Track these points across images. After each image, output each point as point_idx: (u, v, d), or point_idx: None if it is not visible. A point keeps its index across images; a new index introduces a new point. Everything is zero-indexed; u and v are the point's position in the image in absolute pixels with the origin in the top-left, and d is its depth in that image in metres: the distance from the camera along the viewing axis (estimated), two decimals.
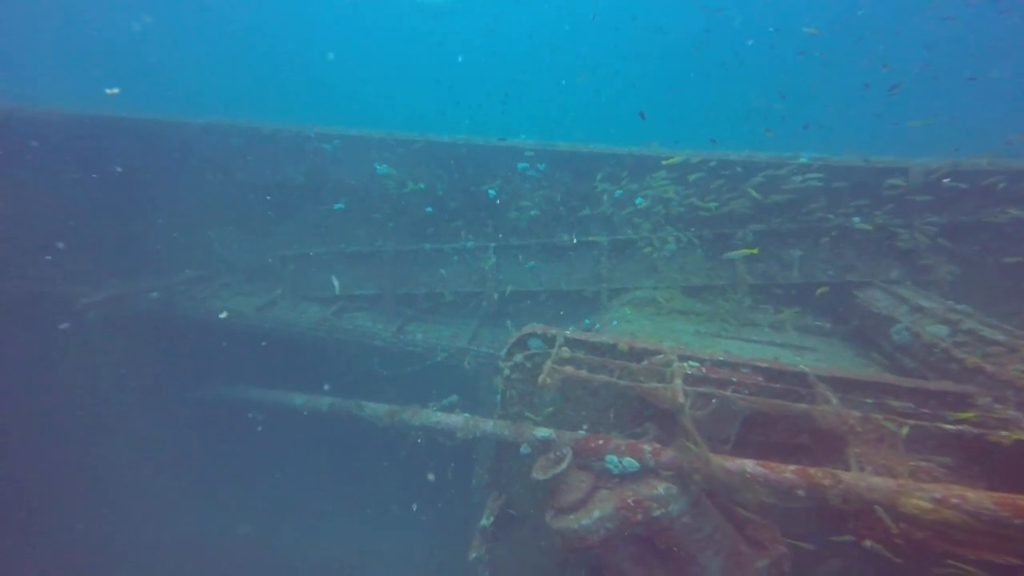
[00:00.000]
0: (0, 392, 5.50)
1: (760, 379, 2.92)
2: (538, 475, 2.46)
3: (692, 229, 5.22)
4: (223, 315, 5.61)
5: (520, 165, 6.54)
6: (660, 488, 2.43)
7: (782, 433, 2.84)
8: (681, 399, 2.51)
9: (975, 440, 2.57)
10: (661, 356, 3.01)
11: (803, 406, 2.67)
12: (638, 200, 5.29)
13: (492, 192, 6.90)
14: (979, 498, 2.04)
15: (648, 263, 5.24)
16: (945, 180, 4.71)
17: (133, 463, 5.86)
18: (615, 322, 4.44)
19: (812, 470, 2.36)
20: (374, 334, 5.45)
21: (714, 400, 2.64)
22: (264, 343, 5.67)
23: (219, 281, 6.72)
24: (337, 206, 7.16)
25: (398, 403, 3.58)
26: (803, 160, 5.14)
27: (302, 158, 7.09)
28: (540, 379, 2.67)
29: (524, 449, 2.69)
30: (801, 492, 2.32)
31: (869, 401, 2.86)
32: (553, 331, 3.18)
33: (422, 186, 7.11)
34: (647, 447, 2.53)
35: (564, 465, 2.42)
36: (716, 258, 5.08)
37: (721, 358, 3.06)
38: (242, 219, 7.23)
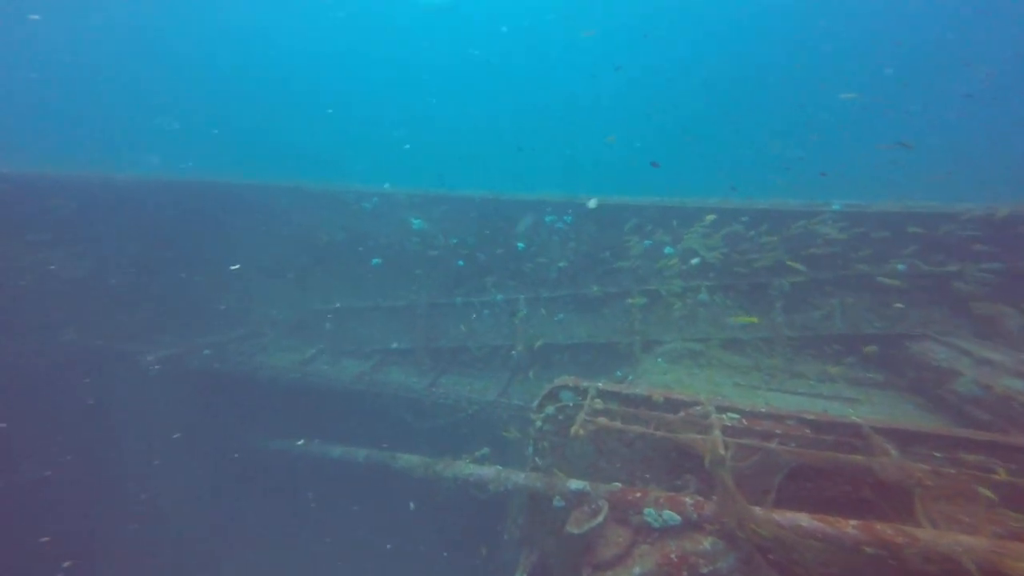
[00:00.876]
0: (61, 443, 5.88)
1: (807, 431, 2.76)
2: (573, 529, 2.35)
3: (726, 281, 5.20)
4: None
5: (547, 219, 6.86)
6: (706, 543, 2.27)
7: (839, 487, 2.62)
8: (721, 450, 2.41)
9: None
10: (699, 408, 2.92)
11: (858, 457, 2.49)
12: (667, 250, 5.38)
13: (521, 245, 7.19)
14: None
15: (682, 315, 5.20)
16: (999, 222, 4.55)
17: (184, 514, 5.99)
18: (649, 374, 4.36)
19: (879, 525, 2.15)
20: (408, 387, 5.55)
21: (757, 452, 2.51)
22: (307, 398, 5.88)
23: (265, 338, 7.13)
24: (374, 262, 7.66)
25: (431, 455, 3.58)
26: (836, 207, 5.14)
27: (343, 216, 7.73)
28: (572, 430, 2.65)
29: (558, 502, 2.60)
30: (869, 549, 2.11)
31: (938, 455, 2.62)
32: (585, 383, 3.18)
33: (454, 240, 7.55)
34: (689, 499, 2.40)
35: (600, 518, 2.33)
36: (753, 309, 4.98)
37: (763, 410, 2.94)
38: (285, 275, 7.81)
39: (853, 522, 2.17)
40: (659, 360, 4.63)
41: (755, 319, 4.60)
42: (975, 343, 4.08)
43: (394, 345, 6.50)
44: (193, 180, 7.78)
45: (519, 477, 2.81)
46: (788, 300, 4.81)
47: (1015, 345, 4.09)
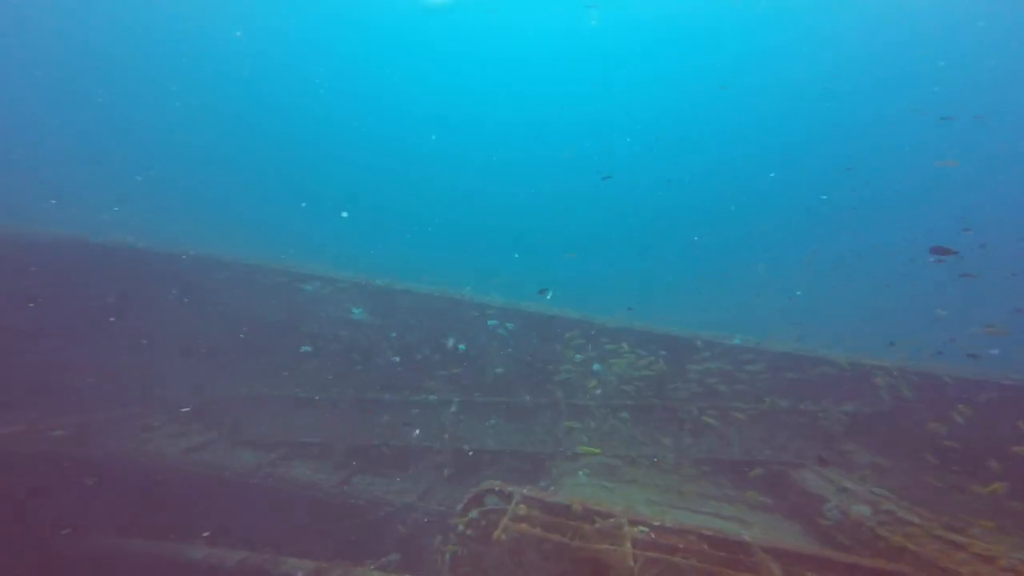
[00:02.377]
0: None
1: (706, 547, 3.01)
2: None
3: (644, 402, 5.72)
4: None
5: (490, 323, 7.25)
6: None
7: None
8: (631, 562, 2.56)
9: None
10: (613, 519, 3.09)
11: (747, 575, 2.74)
12: (595, 367, 5.91)
13: (462, 347, 7.39)
14: None
15: (602, 431, 5.52)
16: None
17: None
18: (571, 486, 4.45)
19: None
20: (314, 484, 5.00)
21: (661, 564, 2.68)
22: (187, 488, 5.01)
23: (149, 421, 6.18)
24: (304, 349, 7.32)
25: (331, 560, 3.19)
26: (736, 342, 6.14)
27: (277, 297, 7.45)
28: (495, 534, 2.66)
29: None
30: None
31: (809, 574, 2.95)
32: (510, 488, 3.25)
33: (393, 335, 7.56)
34: None
35: None
36: (665, 430, 5.47)
37: (669, 525, 3.18)
38: (196, 354, 7.11)
39: None
40: (580, 473, 4.78)
41: (598, 451, 5.01)
42: (839, 473, 4.79)
43: (306, 439, 5.95)
44: (94, 242, 7.15)
45: None
46: (695, 425, 5.39)
47: (864, 477, 4.86)
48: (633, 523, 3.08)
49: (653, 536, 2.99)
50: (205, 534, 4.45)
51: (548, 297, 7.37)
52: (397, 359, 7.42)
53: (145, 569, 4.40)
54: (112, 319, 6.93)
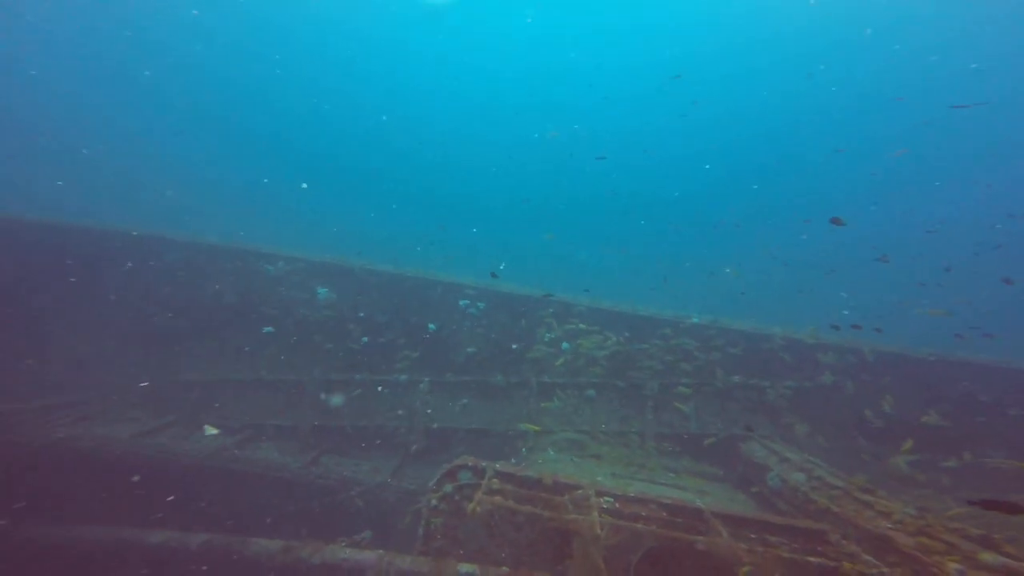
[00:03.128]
0: None
1: (664, 514, 3.26)
2: None
3: (609, 381, 5.98)
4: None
5: (462, 302, 7.26)
6: None
7: (687, 572, 3.06)
8: (598, 530, 2.74)
9: (830, 571, 3.01)
10: (581, 491, 3.27)
11: (700, 538, 3.00)
12: (564, 346, 6.09)
13: (432, 326, 7.38)
14: None
15: (571, 408, 5.75)
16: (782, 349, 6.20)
17: None
18: (540, 462, 4.64)
19: None
20: (282, 466, 4.93)
21: (625, 531, 2.89)
22: (137, 476, 4.79)
23: (92, 408, 5.81)
24: (266, 330, 7.07)
25: (302, 540, 3.19)
26: (695, 320, 6.49)
27: (239, 278, 7.16)
28: (470, 507, 2.76)
29: None
30: None
31: (753, 536, 3.27)
32: (484, 463, 3.36)
33: (361, 315, 7.43)
34: None
35: None
36: (629, 407, 5.77)
37: (632, 495, 3.40)
38: (150, 338, 6.74)
39: None
40: (549, 450, 4.98)
41: (537, 428, 5.26)
42: (781, 444, 5.25)
43: (272, 421, 5.83)
44: (43, 222, 6.67)
45: (404, 562, 2.72)
46: (657, 401, 5.70)
47: (803, 447, 5.36)
48: (599, 494, 3.28)
49: (618, 506, 3.20)
50: (158, 515, 4.30)
51: (497, 275, 7.42)
52: (366, 339, 7.31)
53: (107, 555, 4.22)
54: (63, 303, 6.41)
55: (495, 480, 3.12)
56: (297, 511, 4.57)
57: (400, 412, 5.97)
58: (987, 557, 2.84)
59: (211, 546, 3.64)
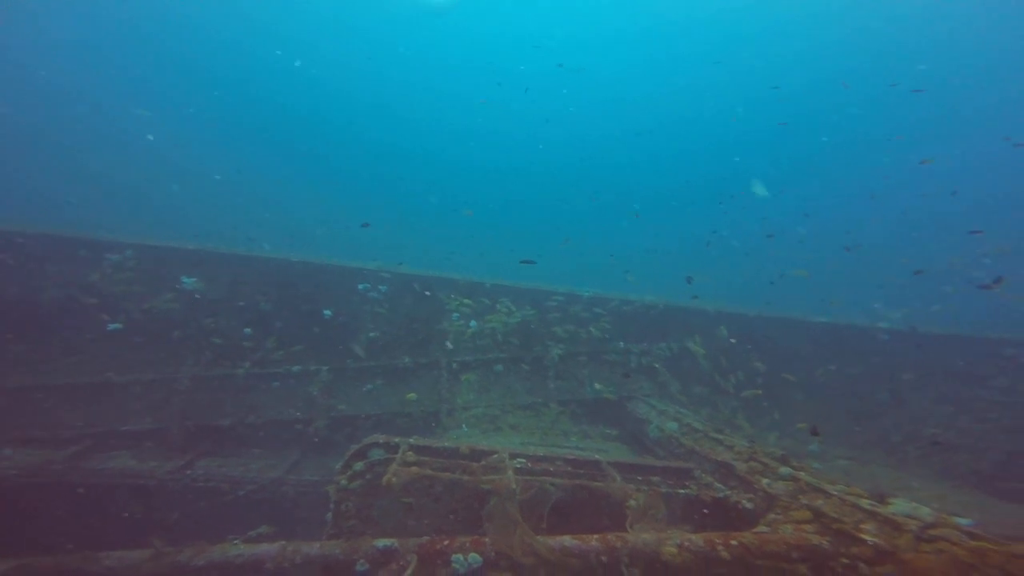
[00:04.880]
0: None
1: (569, 468, 3.59)
2: None
3: (515, 355, 6.26)
4: None
5: (361, 285, 6.88)
6: None
7: (589, 518, 3.43)
8: (513, 485, 2.91)
9: (695, 500, 3.66)
10: (496, 455, 3.42)
11: (599, 483, 3.39)
12: (472, 324, 6.18)
13: (328, 312, 6.87)
14: (696, 538, 2.89)
15: (481, 384, 5.89)
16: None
17: None
18: (454, 437, 4.69)
19: (609, 536, 2.93)
20: (143, 473, 4.15)
21: (535, 483, 3.12)
22: None
23: None
24: (112, 327, 5.84)
25: (178, 546, 2.74)
26: (586, 294, 7.11)
27: (73, 272, 5.83)
28: (385, 479, 2.69)
29: (360, 566, 2.47)
30: (604, 557, 2.83)
31: (639, 478, 3.80)
32: (396, 439, 3.29)
33: (241, 303, 6.61)
34: (488, 539, 2.72)
35: (409, 571, 2.37)
36: (534, 379, 6.13)
37: (541, 454, 3.67)
38: None
39: (596, 536, 2.91)
40: (463, 426, 5.06)
41: (414, 395, 5.54)
42: (659, 401, 6.10)
43: (128, 427, 4.84)
44: None
45: (312, 548, 2.53)
46: (557, 371, 6.15)
47: (676, 401, 6.31)
48: (512, 456, 3.46)
49: (529, 465, 3.42)
50: None
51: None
52: (249, 330, 6.52)
53: None
54: None
55: (410, 453, 3.08)
56: (172, 518, 3.90)
57: (297, 404, 5.45)
58: (783, 470, 3.72)
59: (30, 571, 2.91)
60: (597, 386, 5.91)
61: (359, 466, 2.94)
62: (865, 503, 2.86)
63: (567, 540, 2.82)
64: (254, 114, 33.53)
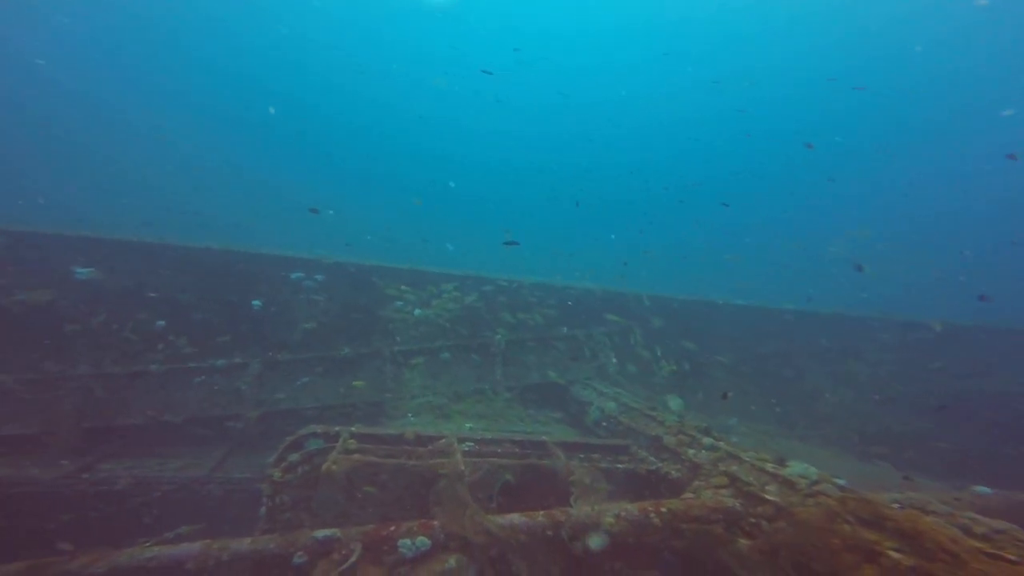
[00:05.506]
0: None
1: (516, 449, 3.66)
2: None
3: (462, 342, 6.22)
4: None
5: (295, 275, 6.46)
6: (451, 560, 2.56)
7: (536, 497, 3.52)
8: (461, 467, 2.90)
9: (632, 473, 3.90)
10: (444, 440, 3.39)
11: (545, 462, 3.49)
12: (416, 312, 6.03)
13: (257, 303, 6.38)
14: (632, 508, 3.08)
15: (427, 372, 5.78)
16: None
17: None
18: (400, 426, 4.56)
19: (555, 511, 3.04)
20: (24, 480, 3.57)
21: (484, 464, 3.14)
22: None
23: None
24: None
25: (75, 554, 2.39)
26: (528, 281, 7.23)
27: None
28: (325, 467, 2.56)
29: (298, 559, 2.33)
30: (550, 531, 2.92)
31: (581, 456, 3.97)
32: (337, 429, 3.13)
33: (152, 294, 5.95)
34: (437, 522, 2.69)
35: (353, 559, 2.28)
36: (481, 366, 6.12)
37: (490, 437, 3.70)
38: None
39: (541, 513, 3.00)
40: (408, 415, 4.93)
41: (362, 383, 5.46)
42: (600, 383, 6.38)
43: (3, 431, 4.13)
44: None
45: (242, 544, 2.33)
46: (504, 357, 6.21)
47: (615, 382, 6.62)
48: (461, 440, 3.45)
49: (477, 447, 3.43)
50: None
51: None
52: (163, 323, 5.87)
53: None
54: None
55: (352, 441, 2.96)
56: (63, 525, 3.38)
57: (222, 401, 4.98)
58: (706, 440, 4.09)
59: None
60: (551, 374, 6.05)
61: (295, 457, 2.77)
62: (770, 467, 3.22)
63: (516, 517, 2.88)
64: (247, 106, 33.43)
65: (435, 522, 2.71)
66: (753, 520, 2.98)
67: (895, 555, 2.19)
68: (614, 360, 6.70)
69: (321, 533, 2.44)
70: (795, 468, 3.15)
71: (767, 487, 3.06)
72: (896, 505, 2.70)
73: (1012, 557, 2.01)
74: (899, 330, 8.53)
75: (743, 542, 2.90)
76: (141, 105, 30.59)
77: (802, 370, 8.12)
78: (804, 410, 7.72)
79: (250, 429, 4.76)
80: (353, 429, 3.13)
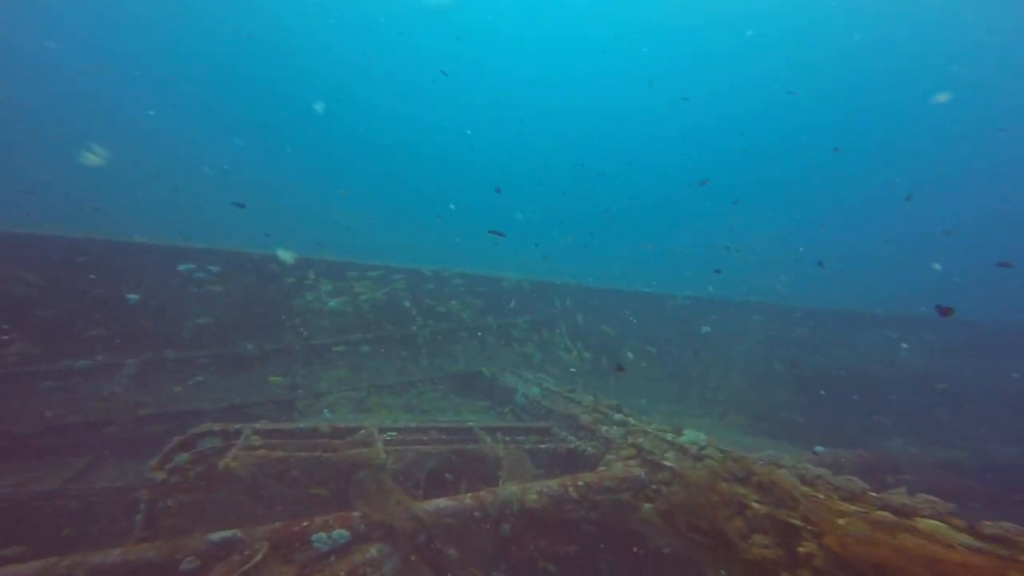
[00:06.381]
0: None
1: (444, 436, 3.60)
2: None
3: (383, 334, 5.94)
4: None
5: (183, 266, 5.66)
6: (373, 550, 2.44)
7: (466, 483, 3.49)
8: (383, 455, 2.77)
9: (553, 453, 4.06)
10: (363, 431, 3.21)
11: (472, 445, 3.49)
12: (331, 304, 5.62)
13: (133, 297, 5.47)
14: (552, 483, 3.21)
15: (346, 365, 5.41)
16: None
17: None
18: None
19: (481, 493, 3.05)
20: None
21: (408, 452, 3.04)
22: None
23: None
24: None
25: None
26: (456, 270, 7.15)
27: None
28: (223, 463, 2.27)
29: (188, 564, 2.03)
30: (477, 513, 2.93)
31: (507, 439, 4.04)
32: (237, 426, 2.80)
33: None
34: (357, 513, 2.53)
35: (257, 558, 2.05)
36: (405, 358, 5.91)
37: (414, 425, 3.59)
38: None
39: (468, 496, 2.99)
40: (324, 411, 4.58)
41: (281, 378, 5.27)
42: (525, 371, 6.54)
43: None
44: None
45: (104, 558, 1.95)
46: (429, 348, 6.07)
47: (539, 369, 6.83)
48: (382, 431, 3.30)
49: (400, 436, 3.31)
50: None
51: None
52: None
53: None
54: None
55: (256, 438, 2.66)
56: None
57: (84, 406, 4.15)
58: (616, 416, 4.41)
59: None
60: (486, 371, 6.01)
61: (184, 458, 2.41)
62: (669, 436, 3.58)
63: (442, 502, 2.83)
64: (249, 106, 33.95)
65: (355, 513, 2.56)
66: (655, 487, 3.28)
67: (756, 506, 2.59)
68: (537, 351, 6.91)
69: (218, 535, 2.16)
70: (688, 436, 3.53)
71: (666, 455, 3.38)
72: (759, 462, 3.18)
73: (821, 496, 2.51)
74: (770, 312, 9.98)
75: (647, 507, 3.19)
76: (140, 104, 30.60)
77: (698, 351, 9.14)
78: (699, 389, 8.71)
79: (123, 434, 4.04)
80: (257, 426, 2.82)
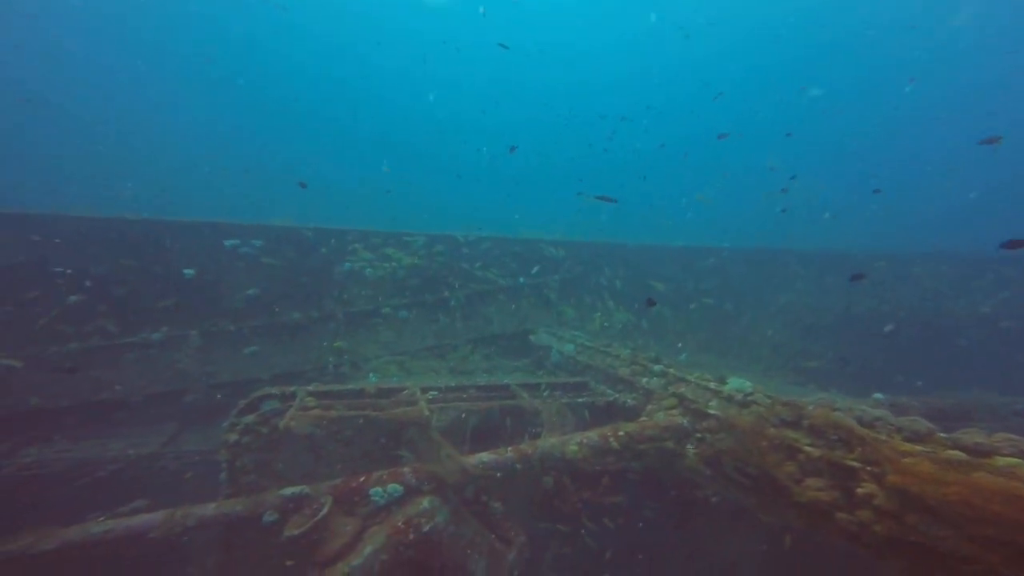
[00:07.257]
0: None
1: (482, 394, 3.74)
2: (292, 531, 2.17)
3: (419, 299, 6.09)
4: None
5: (228, 242, 5.95)
6: (424, 502, 2.63)
7: (506, 439, 3.65)
8: (427, 412, 2.92)
9: (591, 406, 4.12)
10: (406, 391, 3.37)
11: (510, 401, 3.60)
12: (367, 271, 5.78)
13: (190, 272, 5.85)
14: (592, 435, 3.28)
15: (388, 331, 5.65)
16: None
17: None
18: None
19: (522, 446, 3.17)
20: None
21: (450, 409, 3.19)
22: None
23: None
24: None
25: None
26: (484, 234, 7.13)
27: None
28: (282, 424, 2.48)
29: (268, 517, 2.31)
30: (519, 465, 3.06)
31: (545, 394, 4.14)
32: (292, 388, 3.02)
33: (67, 270, 5.29)
34: (407, 469, 2.73)
35: (325, 510, 2.28)
36: (441, 321, 6.08)
37: (453, 384, 3.74)
38: None
39: (511, 448, 3.12)
40: (371, 375, 4.85)
41: (342, 343, 5.42)
42: (558, 329, 6.58)
43: None
44: None
45: (205, 510, 2.26)
46: (464, 310, 6.20)
47: (575, 327, 6.85)
48: (424, 390, 3.46)
49: (442, 395, 3.46)
50: None
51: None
52: (75, 298, 5.26)
53: None
54: None
55: (310, 399, 2.87)
56: None
57: (164, 376, 4.63)
58: (656, 367, 4.37)
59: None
60: (533, 336, 6.07)
61: (250, 419, 2.65)
62: (712, 385, 3.51)
63: (485, 456, 2.98)
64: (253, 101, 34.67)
65: (406, 469, 2.75)
66: (699, 435, 3.28)
67: (809, 449, 2.52)
68: (572, 308, 6.88)
69: (289, 490, 2.40)
70: (733, 383, 3.45)
71: (710, 403, 3.34)
72: (811, 405, 3.08)
73: (883, 437, 2.38)
74: (818, 261, 9.37)
75: (692, 452, 3.21)
76: (142, 104, 31.86)
77: (739, 304, 8.81)
78: (742, 340, 8.47)
79: (199, 403, 4.50)
80: (311, 388, 3.03)
